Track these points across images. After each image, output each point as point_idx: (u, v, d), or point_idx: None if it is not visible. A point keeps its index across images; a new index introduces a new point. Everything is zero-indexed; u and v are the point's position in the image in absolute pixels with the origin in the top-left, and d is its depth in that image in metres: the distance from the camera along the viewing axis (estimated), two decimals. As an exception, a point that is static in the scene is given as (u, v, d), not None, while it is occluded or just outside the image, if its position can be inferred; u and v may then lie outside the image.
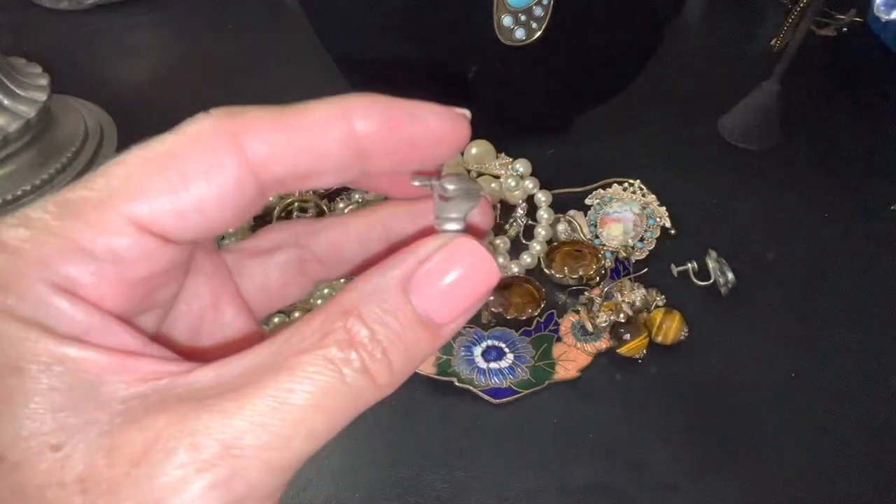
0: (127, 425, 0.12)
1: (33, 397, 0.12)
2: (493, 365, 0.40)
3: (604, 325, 0.41)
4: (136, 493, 0.11)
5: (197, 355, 0.15)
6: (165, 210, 0.13)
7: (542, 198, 0.48)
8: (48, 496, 0.11)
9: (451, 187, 0.15)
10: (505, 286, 0.44)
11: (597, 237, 0.47)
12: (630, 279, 0.44)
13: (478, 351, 0.41)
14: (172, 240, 0.13)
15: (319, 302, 0.42)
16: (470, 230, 0.16)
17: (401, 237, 0.19)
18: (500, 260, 0.45)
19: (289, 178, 0.14)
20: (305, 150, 0.14)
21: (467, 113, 0.15)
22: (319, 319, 0.14)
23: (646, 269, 0.46)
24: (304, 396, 0.13)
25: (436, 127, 0.15)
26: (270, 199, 0.20)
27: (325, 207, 0.47)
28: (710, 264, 0.45)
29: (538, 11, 0.45)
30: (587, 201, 0.49)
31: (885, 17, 0.45)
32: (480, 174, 0.49)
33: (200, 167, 0.13)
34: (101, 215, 0.13)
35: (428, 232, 0.16)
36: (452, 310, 0.14)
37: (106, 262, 0.13)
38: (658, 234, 0.47)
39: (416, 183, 0.16)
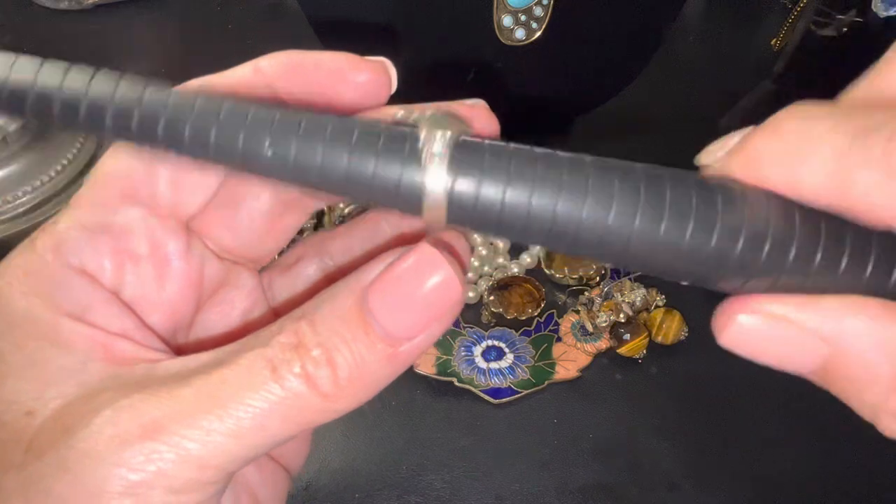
0: (84, 399, 0.13)
1: (30, 369, 0.13)
2: (493, 365, 0.40)
3: (604, 325, 0.41)
4: (55, 456, 0.12)
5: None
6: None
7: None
8: (7, 450, 0.13)
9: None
10: (505, 286, 0.44)
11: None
12: (630, 279, 0.44)
13: (478, 351, 0.41)
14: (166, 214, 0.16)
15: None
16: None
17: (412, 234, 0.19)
18: (500, 260, 0.45)
19: None
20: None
21: (383, 62, 0.16)
22: (279, 322, 0.14)
23: (646, 269, 0.46)
24: (231, 392, 0.12)
25: (330, 64, 0.15)
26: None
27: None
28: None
29: (538, 11, 0.45)
30: (587, 201, 0.49)
31: (883, 13, 0.45)
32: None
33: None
34: (96, 194, 0.15)
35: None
36: (409, 322, 0.13)
37: (99, 232, 0.15)
38: (658, 234, 0.47)
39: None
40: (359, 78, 0.15)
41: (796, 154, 0.11)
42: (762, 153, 0.12)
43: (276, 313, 0.19)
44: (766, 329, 0.12)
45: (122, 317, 0.15)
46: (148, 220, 0.15)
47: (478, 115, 0.15)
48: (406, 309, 0.13)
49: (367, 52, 0.16)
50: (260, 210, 0.17)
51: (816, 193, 0.11)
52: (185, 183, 0.16)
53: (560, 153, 0.13)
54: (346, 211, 0.47)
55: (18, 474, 0.13)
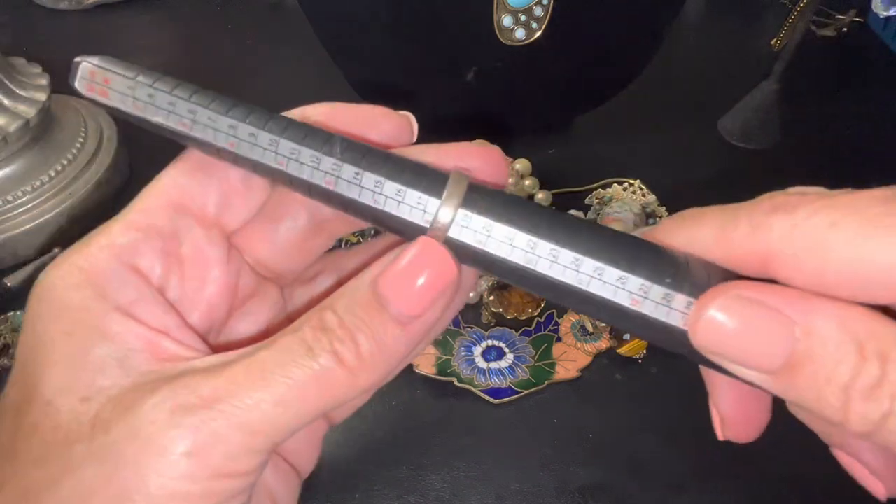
0: (136, 387, 0.15)
1: (80, 357, 0.15)
2: (493, 365, 0.40)
3: (604, 325, 0.41)
4: (122, 427, 0.14)
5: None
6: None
7: (542, 198, 0.48)
8: (70, 428, 0.15)
9: None
10: (505, 286, 0.44)
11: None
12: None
13: (478, 351, 0.41)
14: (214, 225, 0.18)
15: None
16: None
17: None
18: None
19: None
20: None
21: (408, 115, 0.19)
22: (307, 314, 0.16)
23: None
24: (273, 365, 0.15)
25: (364, 115, 0.18)
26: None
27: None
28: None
29: (538, 11, 0.45)
30: (587, 201, 0.49)
31: (883, 13, 0.45)
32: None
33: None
34: (150, 202, 0.17)
35: None
36: (415, 300, 0.15)
37: (151, 235, 0.17)
38: (658, 234, 0.47)
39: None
40: (385, 127, 0.18)
41: (691, 224, 0.16)
42: (671, 227, 0.16)
43: (293, 321, 0.21)
44: (742, 315, 0.13)
45: (165, 315, 0.17)
46: (195, 230, 0.18)
47: (490, 157, 0.18)
48: (411, 290, 0.15)
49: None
50: (297, 229, 0.19)
51: (704, 246, 0.15)
52: (233, 202, 0.18)
53: (560, 216, 0.15)
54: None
55: (89, 444, 0.14)
